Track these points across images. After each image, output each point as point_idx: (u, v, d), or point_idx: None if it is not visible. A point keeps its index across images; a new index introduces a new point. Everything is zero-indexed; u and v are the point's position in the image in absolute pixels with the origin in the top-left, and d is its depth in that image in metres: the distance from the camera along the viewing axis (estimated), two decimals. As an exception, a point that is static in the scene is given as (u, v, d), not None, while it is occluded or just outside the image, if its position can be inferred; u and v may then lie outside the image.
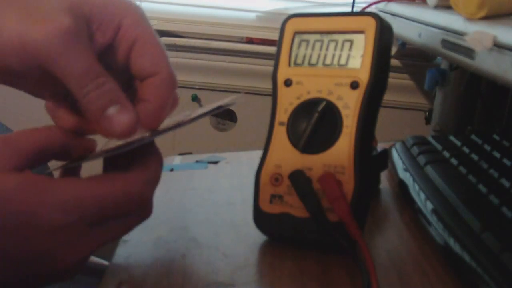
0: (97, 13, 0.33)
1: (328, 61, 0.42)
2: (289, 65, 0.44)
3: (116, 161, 0.36)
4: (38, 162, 0.33)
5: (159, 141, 0.37)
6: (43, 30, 0.29)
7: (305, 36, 0.44)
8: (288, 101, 0.43)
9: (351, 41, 0.42)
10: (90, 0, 0.32)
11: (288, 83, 0.43)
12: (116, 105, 0.32)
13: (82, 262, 0.33)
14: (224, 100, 0.39)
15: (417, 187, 0.49)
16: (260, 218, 0.43)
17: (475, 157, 0.51)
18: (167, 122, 0.37)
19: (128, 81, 0.36)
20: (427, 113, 0.87)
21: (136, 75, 0.35)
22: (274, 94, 0.44)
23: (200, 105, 1.21)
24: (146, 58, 0.34)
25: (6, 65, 0.31)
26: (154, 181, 0.35)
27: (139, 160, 0.35)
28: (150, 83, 0.34)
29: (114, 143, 0.35)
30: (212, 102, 0.40)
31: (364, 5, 0.73)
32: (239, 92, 1.18)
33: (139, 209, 0.35)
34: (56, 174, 0.36)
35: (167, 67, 0.34)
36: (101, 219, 0.33)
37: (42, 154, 0.33)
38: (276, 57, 0.44)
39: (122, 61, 0.35)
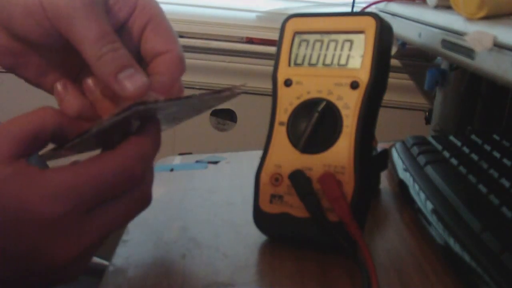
0: None
1: (328, 61, 0.42)
2: (289, 65, 0.44)
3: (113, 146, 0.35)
4: (34, 147, 0.32)
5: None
6: None
7: (305, 36, 0.44)
8: (288, 101, 0.43)
9: (351, 41, 0.42)
10: None
11: (288, 83, 0.43)
12: (130, 69, 0.33)
13: (83, 259, 0.33)
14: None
15: (417, 187, 0.49)
16: (260, 218, 0.43)
17: (475, 157, 0.51)
18: None
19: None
20: (427, 113, 0.87)
21: (146, 55, 0.36)
22: (274, 94, 0.44)
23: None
24: (159, 37, 0.36)
25: (25, 34, 0.33)
26: (148, 155, 0.34)
27: (133, 136, 0.34)
28: (161, 59, 0.36)
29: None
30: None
31: (364, 5, 0.73)
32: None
33: (136, 189, 0.34)
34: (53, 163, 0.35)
35: (178, 47, 0.36)
36: (97, 203, 0.32)
37: (38, 138, 0.32)
38: (276, 57, 0.44)
39: (134, 42, 0.36)
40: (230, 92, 0.36)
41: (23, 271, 0.31)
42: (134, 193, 0.34)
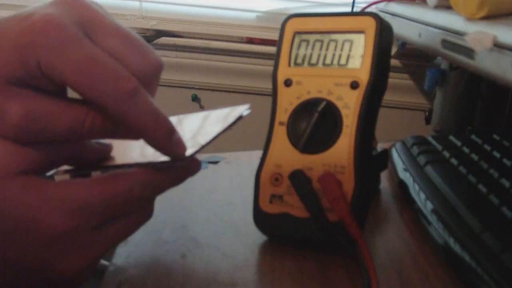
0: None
1: (328, 61, 0.42)
2: (289, 65, 0.44)
3: None
4: (48, 168, 0.32)
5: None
6: None
7: (305, 36, 0.44)
8: (288, 101, 0.43)
9: (351, 41, 0.42)
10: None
11: (288, 83, 0.43)
12: (176, 134, 0.33)
13: (90, 268, 0.33)
14: (238, 109, 0.39)
15: (417, 187, 0.49)
16: (260, 218, 0.43)
17: (475, 157, 0.51)
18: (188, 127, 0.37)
19: None
20: (427, 113, 0.87)
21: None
22: (274, 94, 0.44)
23: (201, 106, 1.21)
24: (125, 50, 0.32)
25: None
26: (157, 184, 0.35)
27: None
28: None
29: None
30: (225, 109, 0.40)
31: (364, 5, 0.73)
32: (239, 93, 1.18)
33: (141, 208, 0.35)
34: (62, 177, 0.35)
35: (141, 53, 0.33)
36: (107, 219, 0.32)
37: (54, 160, 0.32)
38: (276, 57, 0.44)
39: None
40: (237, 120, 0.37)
41: (33, 281, 0.32)
42: (141, 210, 0.35)
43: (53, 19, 0.28)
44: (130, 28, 0.32)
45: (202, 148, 0.34)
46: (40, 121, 0.29)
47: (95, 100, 0.29)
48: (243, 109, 0.38)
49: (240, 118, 0.37)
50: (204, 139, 0.35)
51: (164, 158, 0.33)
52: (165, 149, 0.32)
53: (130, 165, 0.34)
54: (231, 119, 0.36)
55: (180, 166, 0.35)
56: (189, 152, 0.34)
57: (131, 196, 0.32)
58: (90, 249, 0.32)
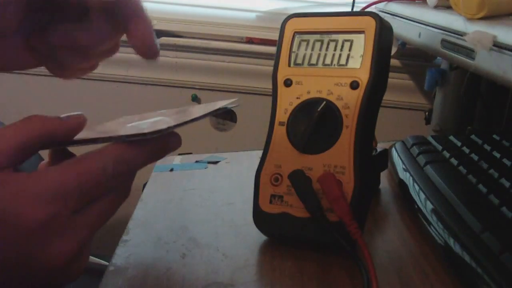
0: None
1: (328, 61, 0.42)
2: (289, 65, 0.44)
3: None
4: (22, 157, 0.31)
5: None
6: None
7: (305, 36, 0.44)
8: (288, 101, 0.43)
9: (351, 41, 0.42)
10: None
11: (288, 83, 0.43)
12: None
13: (80, 257, 0.32)
14: (223, 102, 0.39)
15: (417, 187, 0.49)
16: (260, 218, 0.43)
17: (475, 157, 0.51)
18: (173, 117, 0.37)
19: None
20: (427, 113, 0.87)
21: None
22: (274, 94, 0.44)
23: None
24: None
25: None
26: (132, 156, 0.34)
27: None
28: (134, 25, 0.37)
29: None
30: (212, 103, 0.40)
31: (364, 5, 0.73)
32: (239, 93, 1.18)
33: (119, 186, 0.34)
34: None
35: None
36: (85, 200, 0.32)
37: (26, 149, 0.31)
38: (276, 57, 0.44)
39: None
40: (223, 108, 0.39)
41: (20, 277, 0.31)
42: (119, 188, 0.34)
43: None
44: None
45: (176, 127, 0.35)
46: None
47: None
48: (228, 102, 0.39)
49: (224, 110, 0.38)
50: (181, 119, 0.36)
51: (135, 131, 0.33)
52: (148, 41, 0.36)
53: (104, 139, 0.34)
54: (212, 108, 0.38)
55: (156, 142, 0.35)
56: (162, 126, 0.34)
57: (106, 175, 0.32)
58: (74, 234, 0.31)
